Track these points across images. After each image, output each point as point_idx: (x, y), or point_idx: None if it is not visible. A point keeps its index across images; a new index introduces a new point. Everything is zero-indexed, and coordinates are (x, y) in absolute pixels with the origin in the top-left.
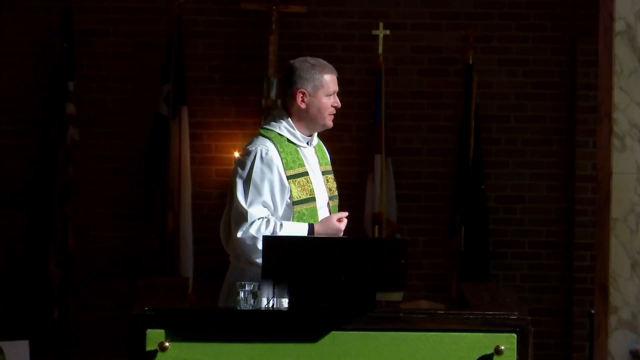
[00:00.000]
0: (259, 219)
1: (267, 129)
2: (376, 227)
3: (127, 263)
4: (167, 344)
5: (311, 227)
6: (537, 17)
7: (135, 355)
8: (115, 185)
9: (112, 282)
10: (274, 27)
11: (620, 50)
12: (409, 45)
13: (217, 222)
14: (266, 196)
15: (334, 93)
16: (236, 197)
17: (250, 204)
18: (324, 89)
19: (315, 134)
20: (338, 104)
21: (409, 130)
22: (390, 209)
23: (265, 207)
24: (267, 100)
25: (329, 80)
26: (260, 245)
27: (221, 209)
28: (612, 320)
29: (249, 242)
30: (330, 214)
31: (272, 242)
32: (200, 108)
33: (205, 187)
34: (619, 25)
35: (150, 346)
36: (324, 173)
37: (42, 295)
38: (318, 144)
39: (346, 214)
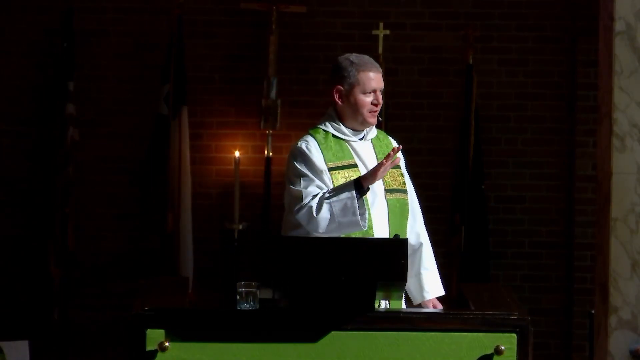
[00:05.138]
0: (313, 195)
1: (315, 128)
2: None
3: (127, 263)
4: (167, 344)
5: (357, 179)
6: (537, 17)
7: (135, 355)
8: (115, 185)
9: (112, 282)
10: (274, 27)
11: (620, 50)
12: (409, 45)
13: (217, 222)
14: (318, 180)
15: (373, 91)
16: (290, 191)
17: (305, 187)
18: (360, 86)
19: (373, 128)
20: (378, 101)
21: (409, 130)
22: None
23: (320, 188)
24: (267, 100)
25: (366, 78)
26: (314, 212)
27: (221, 208)
28: (612, 320)
29: (303, 215)
30: (388, 207)
31: (272, 242)
32: (200, 108)
33: (205, 187)
34: (619, 25)
35: (150, 346)
36: None
37: (42, 295)
38: (380, 139)
39: (395, 160)
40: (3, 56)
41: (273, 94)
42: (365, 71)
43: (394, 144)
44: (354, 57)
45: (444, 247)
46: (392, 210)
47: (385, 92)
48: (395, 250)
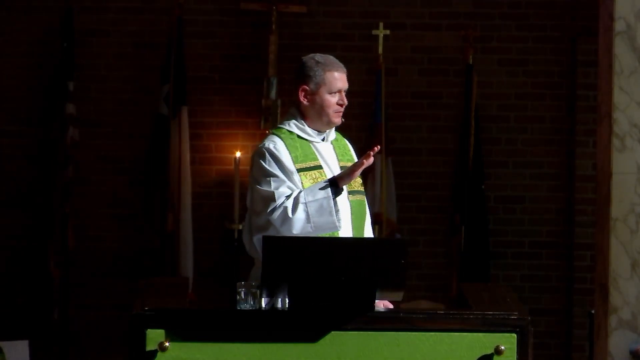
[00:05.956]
0: (286, 196)
1: (278, 127)
2: (376, 227)
3: (127, 263)
4: (167, 344)
5: (332, 179)
6: (537, 17)
7: (135, 355)
8: (115, 185)
9: (112, 282)
10: (274, 27)
11: (620, 50)
12: (409, 45)
13: (217, 222)
14: (288, 181)
15: (339, 91)
16: (259, 192)
17: (276, 188)
18: (326, 86)
19: (333, 129)
20: (343, 101)
21: (409, 130)
22: (390, 209)
23: (291, 189)
24: (267, 100)
25: (332, 78)
26: (290, 213)
27: (221, 208)
28: (612, 320)
29: (278, 216)
30: (350, 209)
31: (272, 242)
32: (200, 108)
33: (205, 187)
34: (619, 25)
35: (150, 346)
36: (342, 168)
37: (42, 295)
38: (338, 140)
39: (369, 160)
40: (3, 56)
41: (273, 94)
42: (332, 71)
43: (350, 146)
44: (319, 56)
45: (444, 247)
46: (354, 212)
47: (385, 92)
48: (395, 250)
